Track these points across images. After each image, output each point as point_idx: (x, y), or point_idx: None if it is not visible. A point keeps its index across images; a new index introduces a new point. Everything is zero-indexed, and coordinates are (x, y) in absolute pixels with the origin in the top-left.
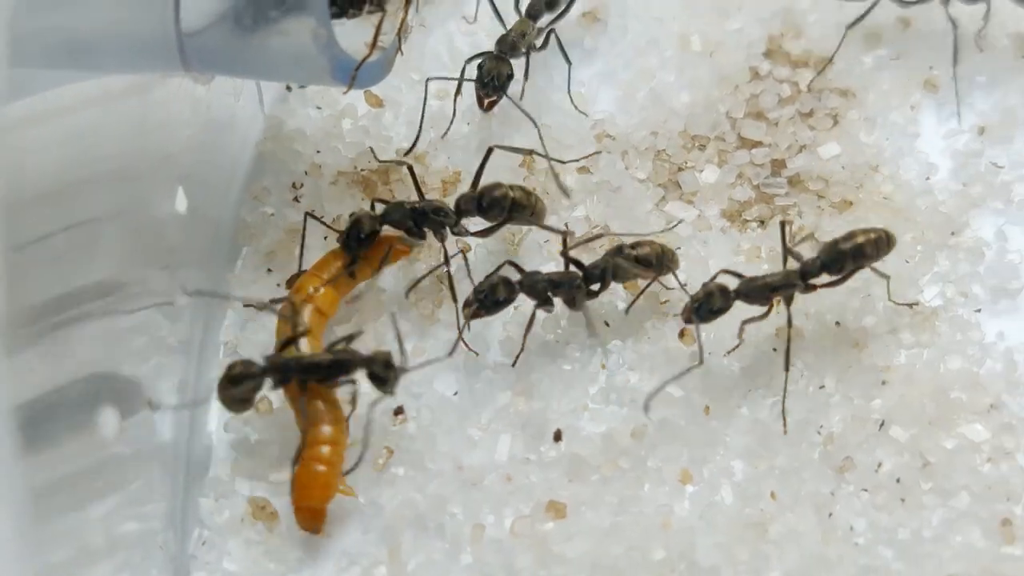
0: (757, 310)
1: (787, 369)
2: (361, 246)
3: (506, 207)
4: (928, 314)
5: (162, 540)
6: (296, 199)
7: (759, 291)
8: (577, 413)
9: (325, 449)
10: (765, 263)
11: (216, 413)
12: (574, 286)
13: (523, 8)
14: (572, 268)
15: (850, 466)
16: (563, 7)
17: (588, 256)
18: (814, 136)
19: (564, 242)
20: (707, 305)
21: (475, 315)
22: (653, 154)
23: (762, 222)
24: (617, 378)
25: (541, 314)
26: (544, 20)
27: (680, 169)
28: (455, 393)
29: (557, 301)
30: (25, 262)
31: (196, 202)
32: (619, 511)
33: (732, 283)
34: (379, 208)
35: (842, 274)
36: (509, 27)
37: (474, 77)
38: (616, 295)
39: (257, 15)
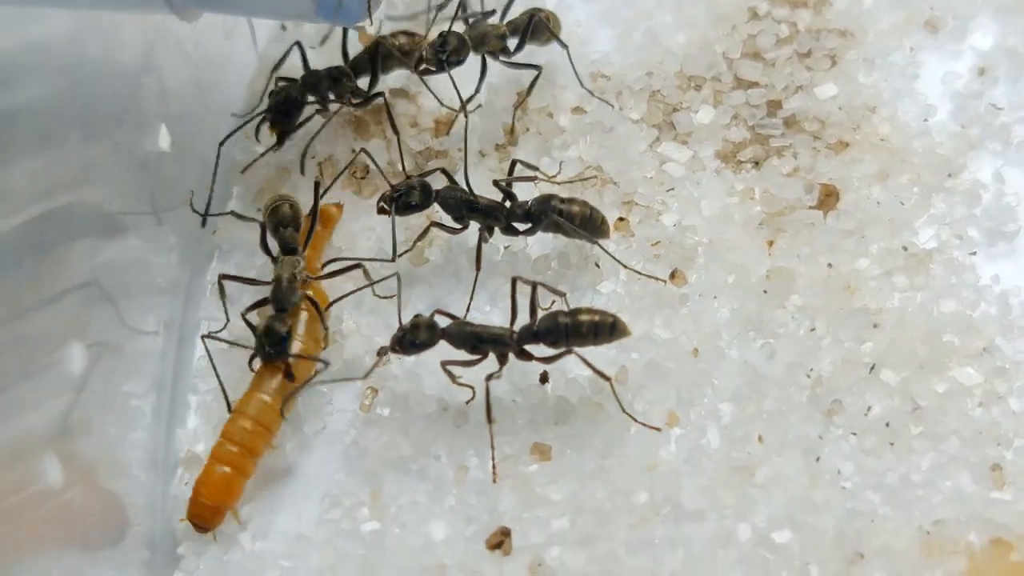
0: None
1: None
2: None
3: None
4: (922, 256)
5: (146, 478)
6: (290, 138)
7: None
8: (564, 355)
9: (233, 449)
10: (758, 204)
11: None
12: (503, 344)
13: None
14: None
15: (839, 409)
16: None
17: None
18: (811, 77)
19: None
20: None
21: (394, 352)
22: (648, 94)
23: (757, 163)
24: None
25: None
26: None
27: (675, 110)
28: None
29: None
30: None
31: (185, 141)
32: (604, 454)
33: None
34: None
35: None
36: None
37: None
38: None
39: None
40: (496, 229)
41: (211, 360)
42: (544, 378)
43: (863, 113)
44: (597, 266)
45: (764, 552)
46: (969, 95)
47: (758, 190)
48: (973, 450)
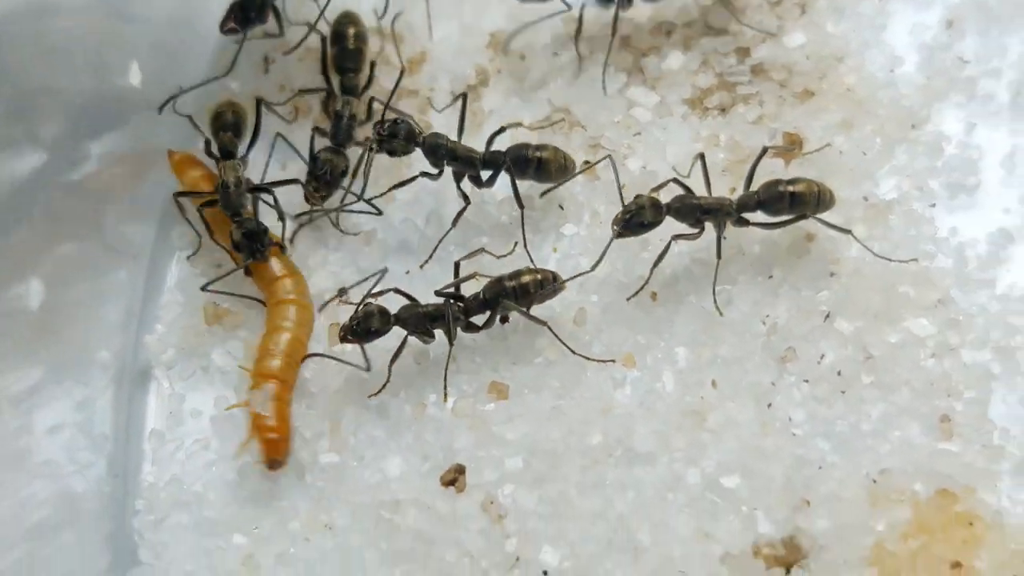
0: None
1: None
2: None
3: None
4: (882, 207)
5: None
6: (266, 71)
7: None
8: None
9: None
10: (722, 151)
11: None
12: (452, 319)
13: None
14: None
15: (792, 357)
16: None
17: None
18: (780, 25)
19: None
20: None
21: (346, 341)
22: (619, 39)
23: (723, 110)
24: (568, 262)
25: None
26: None
27: (644, 55)
28: (407, 272)
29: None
30: None
31: (158, 75)
32: (561, 395)
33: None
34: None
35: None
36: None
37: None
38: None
39: None
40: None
41: None
42: (504, 319)
43: (830, 63)
44: (561, 208)
45: (713, 496)
46: (936, 47)
47: (723, 136)
48: (923, 401)
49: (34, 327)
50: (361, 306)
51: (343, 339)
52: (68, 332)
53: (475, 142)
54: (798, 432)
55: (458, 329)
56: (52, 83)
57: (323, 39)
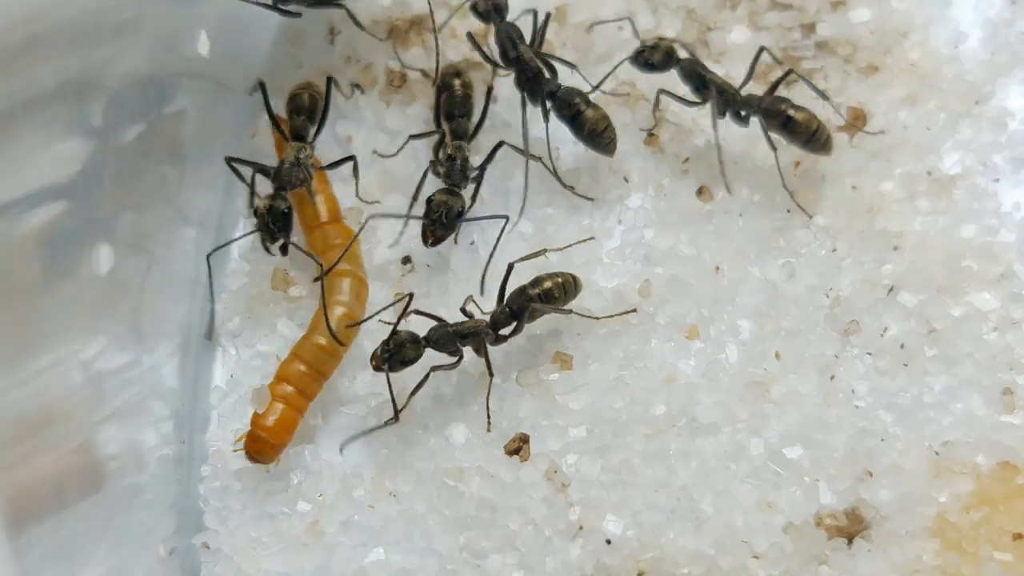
0: None
1: None
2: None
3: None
4: (946, 182)
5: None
6: (331, 43)
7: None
8: (591, 267)
9: (290, 389)
10: None
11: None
12: (482, 334)
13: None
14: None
15: (856, 330)
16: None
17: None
18: (846, 0)
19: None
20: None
21: (379, 371)
22: (684, 12)
23: (787, 84)
24: (633, 234)
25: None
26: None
27: (709, 29)
28: (471, 243)
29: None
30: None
31: (225, 46)
32: (624, 365)
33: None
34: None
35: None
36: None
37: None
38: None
39: None
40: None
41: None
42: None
43: (894, 38)
44: (626, 180)
45: (775, 467)
46: (1001, 23)
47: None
48: (986, 374)
49: (102, 293)
50: (391, 333)
51: (376, 368)
52: (135, 299)
53: (540, 116)
54: (861, 404)
55: (487, 346)
56: (122, 53)
57: (435, 87)
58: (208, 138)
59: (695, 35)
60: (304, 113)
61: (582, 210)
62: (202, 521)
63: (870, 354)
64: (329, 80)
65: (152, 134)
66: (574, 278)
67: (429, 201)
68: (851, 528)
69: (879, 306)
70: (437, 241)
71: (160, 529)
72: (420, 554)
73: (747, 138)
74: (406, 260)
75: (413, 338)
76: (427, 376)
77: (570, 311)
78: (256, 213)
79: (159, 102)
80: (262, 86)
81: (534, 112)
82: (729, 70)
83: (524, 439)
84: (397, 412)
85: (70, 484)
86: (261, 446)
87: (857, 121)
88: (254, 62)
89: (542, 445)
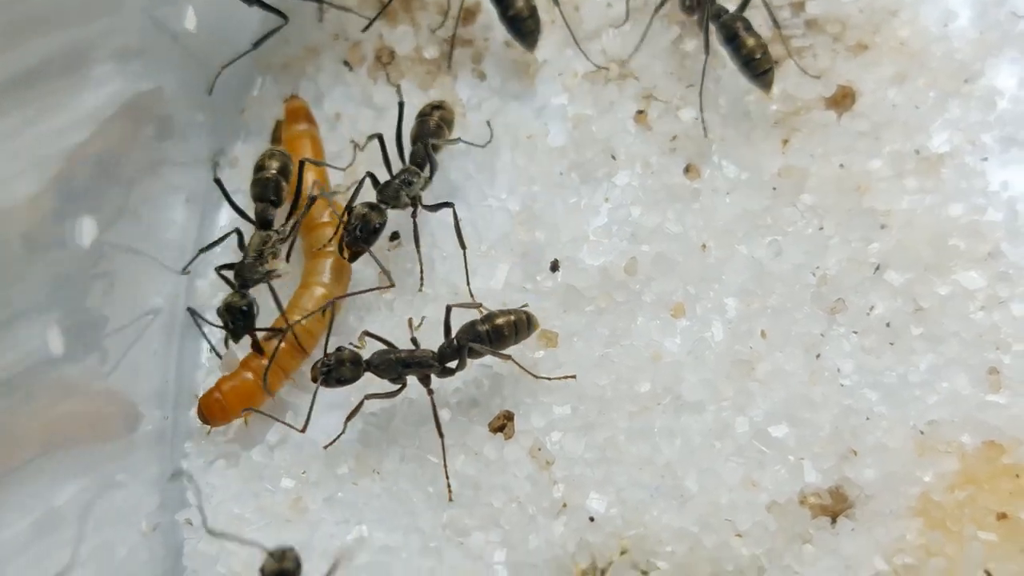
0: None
1: None
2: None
3: None
4: (934, 160)
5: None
6: (320, 20)
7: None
8: (577, 244)
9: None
10: (775, 103)
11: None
12: (427, 365)
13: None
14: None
15: (842, 308)
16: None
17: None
18: None
19: (409, 323)
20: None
21: (315, 382)
22: None
23: (776, 62)
24: (620, 212)
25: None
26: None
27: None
28: (460, 220)
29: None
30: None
31: (212, 21)
32: (610, 343)
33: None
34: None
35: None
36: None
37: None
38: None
39: None
40: None
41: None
42: (555, 266)
43: (884, 16)
44: (613, 158)
45: (760, 445)
46: (990, 2)
47: (776, 89)
48: (972, 353)
49: (85, 265)
50: (336, 349)
51: (313, 379)
52: (119, 273)
53: (529, 93)
54: (846, 383)
55: (432, 376)
56: (109, 28)
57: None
58: (194, 114)
59: (684, 14)
60: (269, 198)
61: (567, 187)
62: (185, 498)
63: (856, 332)
64: (301, 164)
65: (138, 109)
66: (528, 317)
67: (349, 211)
68: (835, 507)
69: (865, 284)
70: (354, 256)
71: (143, 506)
72: (403, 531)
73: (734, 117)
74: (394, 236)
75: (355, 359)
76: (361, 403)
77: (508, 357)
78: (218, 312)
79: (145, 77)
80: (218, 183)
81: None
82: (719, 49)
83: (508, 416)
84: (305, 426)
85: (52, 459)
86: (213, 408)
87: (845, 99)
88: (242, 38)
89: (526, 423)
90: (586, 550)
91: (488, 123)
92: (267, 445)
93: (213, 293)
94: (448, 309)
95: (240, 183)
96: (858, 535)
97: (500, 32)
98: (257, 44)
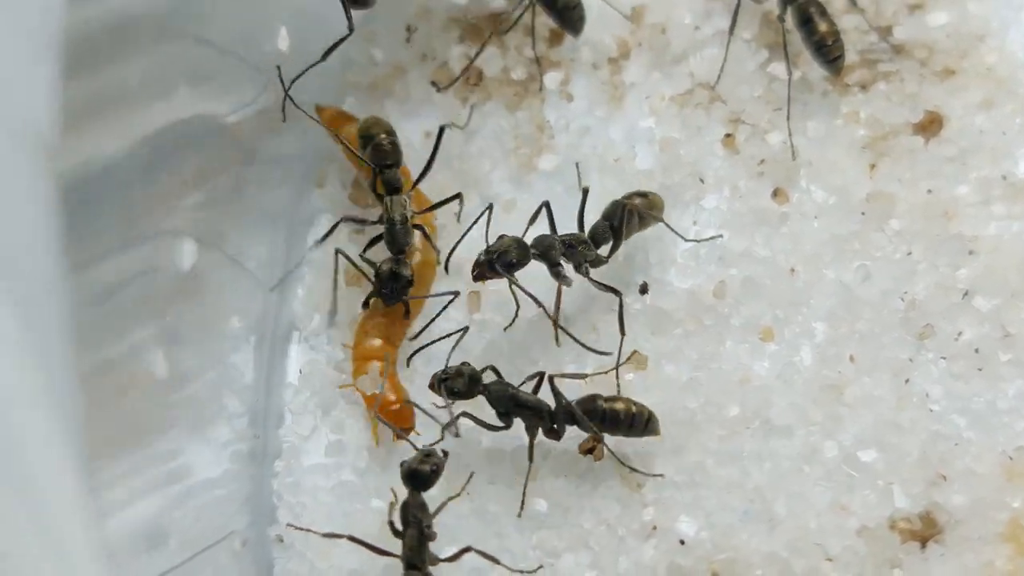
0: None
1: None
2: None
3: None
4: (1021, 186)
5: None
6: (408, 40)
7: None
8: (664, 267)
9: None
10: (862, 128)
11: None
12: (539, 415)
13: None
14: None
15: (930, 333)
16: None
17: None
18: (923, 3)
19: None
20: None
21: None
22: (761, 14)
23: (864, 87)
24: (708, 234)
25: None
26: None
27: (788, 31)
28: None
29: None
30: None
31: (303, 42)
32: (698, 366)
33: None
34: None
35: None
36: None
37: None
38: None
39: None
40: None
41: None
42: (644, 288)
43: (971, 42)
44: (701, 181)
45: (849, 470)
46: None
47: (863, 113)
48: None
49: (183, 288)
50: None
51: (431, 387)
52: (214, 295)
53: (616, 116)
54: (935, 408)
55: (534, 429)
56: (200, 48)
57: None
58: (280, 136)
59: (772, 37)
60: (392, 163)
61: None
62: (275, 516)
63: (944, 358)
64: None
65: (227, 132)
66: (650, 417)
67: (377, 273)
68: (925, 532)
69: (954, 310)
70: (479, 277)
71: (234, 523)
72: (493, 552)
73: (822, 141)
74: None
75: (474, 376)
76: (459, 415)
77: (601, 440)
78: (378, 275)
79: (235, 96)
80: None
81: None
82: (806, 72)
83: (598, 439)
84: (455, 429)
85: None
86: (403, 415)
87: (933, 125)
88: (330, 59)
89: (615, 445)
90: (676, 573)
91: (577, 166)
92: (356, 467)
93: (306, 312)
94: (551, 379)
95: (327, 203)
96: (947, 560)
97: (588, 53)
98: (326, 55)
